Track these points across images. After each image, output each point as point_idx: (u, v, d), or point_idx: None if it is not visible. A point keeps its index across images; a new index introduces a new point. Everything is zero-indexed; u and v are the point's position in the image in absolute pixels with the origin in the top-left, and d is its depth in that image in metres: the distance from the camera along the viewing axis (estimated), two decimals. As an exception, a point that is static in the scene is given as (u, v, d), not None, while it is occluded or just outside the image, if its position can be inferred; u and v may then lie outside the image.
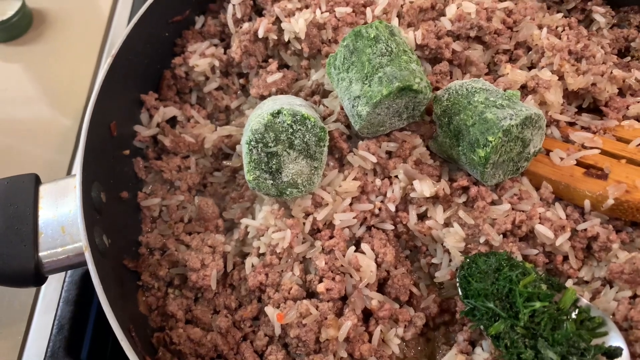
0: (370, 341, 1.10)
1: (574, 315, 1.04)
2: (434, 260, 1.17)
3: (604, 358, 1.01)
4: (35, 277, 1.02)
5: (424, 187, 1.13)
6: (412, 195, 1.15)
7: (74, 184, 1.07)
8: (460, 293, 1.09)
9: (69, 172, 1.60)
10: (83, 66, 1.83)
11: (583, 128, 1.29)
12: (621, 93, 1.34)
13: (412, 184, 1.15)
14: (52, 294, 1.36)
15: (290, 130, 1.11)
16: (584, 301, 1.06)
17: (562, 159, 1.21)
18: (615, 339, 1.02)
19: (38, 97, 1.81)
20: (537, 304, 1.01)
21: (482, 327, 1.06)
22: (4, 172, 1.15)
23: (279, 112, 1.11)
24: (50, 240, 1.03)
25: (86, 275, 1.34)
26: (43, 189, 1.09)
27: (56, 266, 1.04)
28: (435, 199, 1.16)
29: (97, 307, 1.39)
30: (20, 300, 1.38)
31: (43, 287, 1.38)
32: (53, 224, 1.04)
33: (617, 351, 0.99)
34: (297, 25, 1.27)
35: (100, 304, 1.37)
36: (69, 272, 1.33)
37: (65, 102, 1.78)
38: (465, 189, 1.17)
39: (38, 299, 1.37)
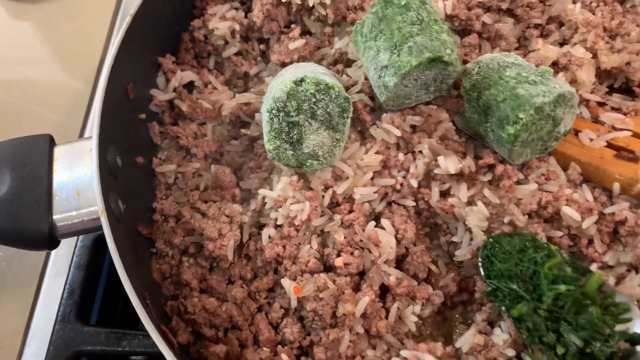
0: (387, 317, 1.08)
1: (598, 300, 1.01)
2: (454, 239, 1.15)
3: (627, 344, 0.99)
4: (49, 240, 1.00)
5: (449, 164, 1.10)
6: (435, 171, 1.12)
7: (90, 146, 1.04)
8: (482, 273, 1.06)
9: (80, 135, 1.56)
10: (96, 27, 1.78)
11: (613, 109, 1.25)
12: (655, 74, 1.29)
13: (436, 160, 1.12)
14: (62, 258, 1.34)
15: (313, 99, 1.07)
16: (609, 286, 1.04)
17: (591, 140, 1.17)
18: (638, 323, 0.99)
19: (50, 58, 1.77)
20: (562, 287, 0.99)
21: (503, 308, 1.04)
22: (14, 132, 1.12)
23: (302, 80, 1.07)
24: (65, 203, 1.00)
25: (97, 240, 1.32)
26: (58, 151, 1.06)
27: (70, 230, 1.01)
28: (459, 176, 1.13)
29: (107, 273, 1.38)
30: (30, 263, 1.36)
31: (53, 251, 1.36)
32: (68, 187, 1.02)
33: None
34: (323, -11, 1.22)
35: (110, 270, 1.38)
36: (81, 236, 1.31)
37: (78, 63, 1.73)
38: (490, 167, 1.13)
39: (48, 263, 1.36)
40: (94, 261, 1.30)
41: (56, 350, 1.17)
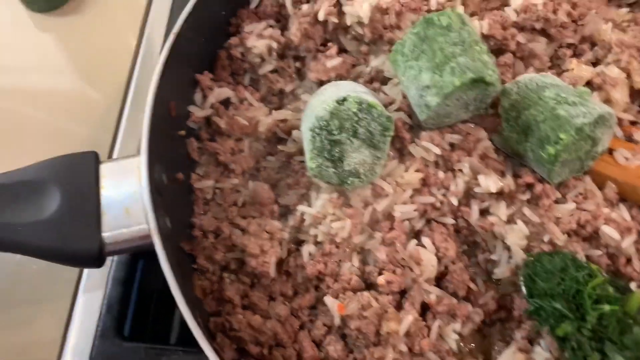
0: (428, 335, 1.09)
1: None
2: (492, 257, 1.16)
3: None
4: (98, 258, 1.01)
5: (490, 182, 1.11)
6: (476, 190, 1.13)
7: (135, 164, 1.05)
8: (524, 291, 1.08)
9: (110, 152, 1.57)
10: (123, 42, 1.79)
11: (645, 128, 1.27)
12: (686, 94, 1.31)
13: (476, 178, 1.13)
14: (96, 272, 1.35)
15: (356, 118, 1.09)
16: None
17: (627, 159, 1.18)
18: None
19: (76, 71, 1.78)
20: (607, 307, 1.00)
21: (545, 327, 1.05)
22: (41, 146, 1.12)
23: (344, 100, 1.08)
24: (114, 221, 1.01)
25: (132, 255, 1.33)
26: (104, 168, 1.07)
27: (119, 248, 1.02)
28: (498, 195, 1.14)
29: (138, 288, 1.39)
30: (64, 278, 1.37)
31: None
32: (116, 205, 1.02)
33: None
34: (361, 9, 1.23)
35: (140, 284, 1.39)
36: (118, 251, 1.32)
37: (105, 77, 1.74)
38: (529, 186, 1.14)
39: (82, 278, 1.36)
40: (129, 276, 1.30)
41: (97, 366, 1.17)
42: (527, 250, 1.11)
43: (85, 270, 1.37)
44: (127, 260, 1.31)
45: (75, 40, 1.82)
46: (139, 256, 1.37)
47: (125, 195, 1.03)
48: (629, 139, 1.24)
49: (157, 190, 1.06)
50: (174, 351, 1.18)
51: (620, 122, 1.25)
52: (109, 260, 1.31)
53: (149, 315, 1.40)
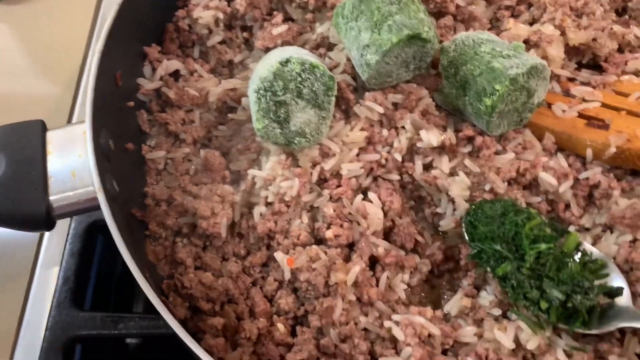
0: (377, 286, 1.12)
1: (577, 258, 1.07)
2: (438, 210, 1.19)
3: (606, 298, 1.05)
4: (46, 220, 1.02)
5: (431, 137, 1.15)
6: (418, 145, 1.17)
7: (82, 130, 1.07)
8: (466, 238, 1.11)
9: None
10: (78, 22, 1.79)
11: (583, 83, 1.31)
12: (620, 50, 1.36)
13: (418, 134, 1.17)
14: (53, 248, 1.36)
15: (299, 79, 1.12)
16: (587, 245, 1.09)
17: (564, 111, 1.23)
18: (616, 280, 1.05)
19: (28, 62, 1.78)
20: (543, 246, 1.04)
21: (488, 269, 1.08)
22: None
23: (287, 61, 1.11)
24: (61, 184, 1.03)
25: (90, 227, 1.34)
26: (50, 135, 1.08)
27: (67, 210, 1.03)
28: (441, 149, 1.18)
29: (99, 259, 1.40)
30: (22, 255, 1.37)
31: (45, 240, 1.37)
32: (63, 169, 1.04)
33: (619, 290, 1.03)
34: (303, -24, 1.27)
35: (101, 257, 1.40)
36: (73, 224, 1.33)
37: (59, 63, 1.74)
38: (470, 139, 1.18)
39: (40, 254, 1.37)
40: (86, 248, 1.31)
41: (53, 336, 1.18)
42: (470, 200, 1.15)
43: (43, 247, 1.38)
44: (83, 233, 1.32)
45: (29, 25, 1.81)
46: (98, 231, 1.38)
47: (72, 160, 1.05)
48: (567, 93, 1.29)
49: (105, 156, 1.08)
50: (131, 318, 1.19)
51: (558, 78, 1.30)
52: (64, 234, 1.33)
53: (112, 287, 1.42)
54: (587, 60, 1.34)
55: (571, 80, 1.33)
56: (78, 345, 1.32)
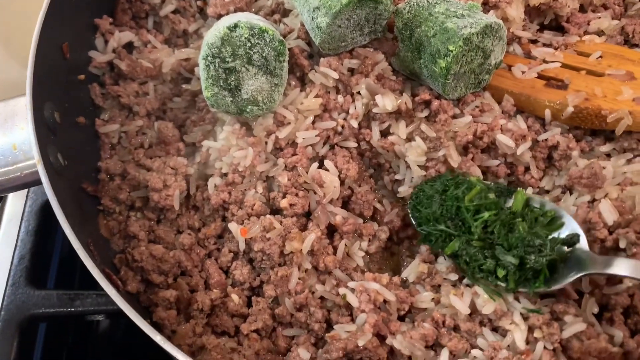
0: (335, 254, 1.10)
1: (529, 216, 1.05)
2: (397, 177, 1.18)
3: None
4: (-12, 196, 1.00)
5: (387, 101, 1.12)
6: (374, 110, 1.14)
7: (25, 102, 1.04)
8: (414, 223, 1.10)
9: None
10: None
11: (545, 45, 1.29)
12: (583, 9, 1.33)
13: (374, 100, 1.14)
14: (10, 226, 1.33)
15: (248, 44, 1.09)
16: (536, 198, 1.08)
17: (523, 72, 1.21)
18: (570, 226, 1.03)
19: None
20: (486, 214, 1.03)
21: (440, 249, 1.07)
22: None
23: (236, 26, 1.08)
24: (2, 158, 1.00)
25: (46, 205, 1.32)
26: (-8, 108, 1.05)
27: (10, 184, 1.01)
28: (397, 114, 1.15)
29: (62, 237, 1.38)
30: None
31: (4, 219, 1.35)
32: (3, 142, 1.01)
33: (574, 238, 1.01)
34: (254, -60, 1.23)
35: (65, 236, 1.38)
36: (28, 202, 1.30)
37: (14, 39, 1.69)
38: (427, 103, 1.16)
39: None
40: (43, 226, 1.29)
41: (8, 315, 1.16)
42: (425, 167, 1.13)
43: (4, 226, 1.35)
44: (39, 210, 1.30)
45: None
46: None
47: (13, 133, 1.02)
48: (528, 55, 1.27)
49: (49, 128, 1.05)
50: (88, 295, 1.18)
51: (519, 40, 1.28)
52: (19, 212, 1.30)
53: (77, 265, 1.40)
54: (549, 21, 1.32)
55: (533, 42, 1.30)
56: (41, 325, 1.31)
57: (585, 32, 1.30)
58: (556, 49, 1.26)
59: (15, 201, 1.26)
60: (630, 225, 1.04)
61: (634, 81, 1.15)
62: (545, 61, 1.24)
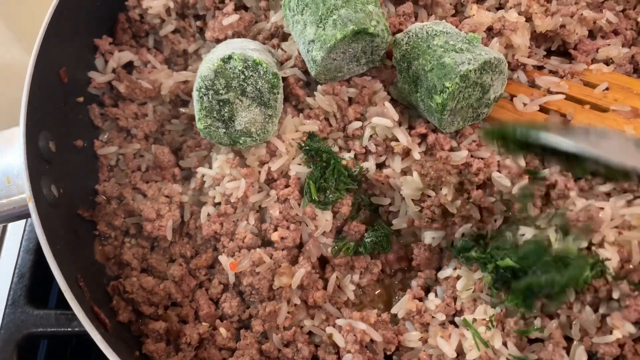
0: (325, 288, 1.10)
1: None
2: (391, 208, 1.16)
3: None
4: (-18, 228, 1.02)
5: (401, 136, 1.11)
6: (393, 145, 1.12)
7: (18, 133, 1.05)
8: None
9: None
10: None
11: (551, 72, 1.25)
12: (592, 35, 1.29)
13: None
14: (12, 245, 1.36)
15: (242, 76, 1.08)
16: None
17: (525, 104, 1.18)
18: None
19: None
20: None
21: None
22: None
23: (229, 58, 1.07)
24: (-5, 191, 1.02)
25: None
26: (-13, 139, 1.06)
27: (2, 217, 1.03)
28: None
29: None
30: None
31: (6, 237, 1.38)
32: (-3, 175, 1.03)
33: None
34: (254, -37, 1.21)
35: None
36: (29, 221, 1.32)
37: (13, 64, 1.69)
38: (424, 137, 1.14)
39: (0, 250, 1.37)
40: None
41: (7, 334, 1.19)
42: (420, 200, 1.12)
43: (5, 245, 1.38)
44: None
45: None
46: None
47: (7, 165, 1.03)
48: (532, 84, 1.23)
49: (44, 159, 1.07)
50: (85, 316, 1.20)
51: (524, 67, 1.24)
52: (20, 231, 1.33)
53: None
54: (555, 47, 1.28)
55: (540, 68, 1.27)
56: (43, 342, 1.35)
57: (594, 60, 1.26)
58: (562, 77, 1.23)
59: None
60: (629, 275, 1.02)
61: (638, 119, 1.12)
62: (549, 91, 1.20)
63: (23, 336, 1.20)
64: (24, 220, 1.33)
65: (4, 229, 1.38)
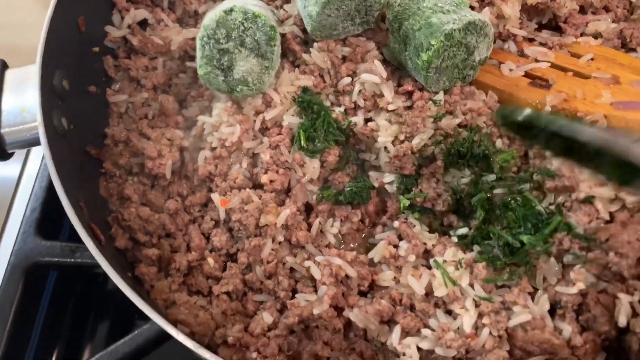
0: (309, 230, 1.17)
1: None
2: (374, 163, 1.23)
3: None
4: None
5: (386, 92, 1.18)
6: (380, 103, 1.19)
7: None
8: None
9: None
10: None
11: (541, 44, 1.30)
12: (583, 11, 1.34)
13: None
14: (29, 183, 1.46)
15: (242, 27, 1.16)
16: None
17: (511, 70, 1.23)
18: None
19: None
20: None
21: None
22: None
23: (231, 10, 1.15)
24: (12, 118, 1.12)
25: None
26: (8, 73, 1.17)
27: (17, 142, 1.13)
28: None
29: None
30: (3, 186, 1.49)
31: (24, 176, 1.48)
32: (14, 104, 1.13)
33: None
34: None
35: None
36: (44, 161, 1.43)
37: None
38: (410, 94, 1.21)
39: (19, 185, 1.48)
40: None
41: (17, 260, 1.29)
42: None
43: (23, 182, 1.48)
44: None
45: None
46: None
47: (24, 97, 1.13)
48: (521, 53, 1.29)
49: (57, 95, 1.16)
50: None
51: (515, 37, 1.30)
52: (35, 169, 1.43)
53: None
54: (547, 20, 1.33)
55: (531, 40, 1.32)
56: (52, 273, 1.45)
57: (583, 34, 1.30)
58: (550, 48, 1.28)
59: (35, 159, 1.38)
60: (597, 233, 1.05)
61: (617, 85, 1.17)
62: (536, 60, 1.26)
63: (30, 264, 1.29)
64: (40, 161, 1.44)
65: (22, 170, 1.49)
